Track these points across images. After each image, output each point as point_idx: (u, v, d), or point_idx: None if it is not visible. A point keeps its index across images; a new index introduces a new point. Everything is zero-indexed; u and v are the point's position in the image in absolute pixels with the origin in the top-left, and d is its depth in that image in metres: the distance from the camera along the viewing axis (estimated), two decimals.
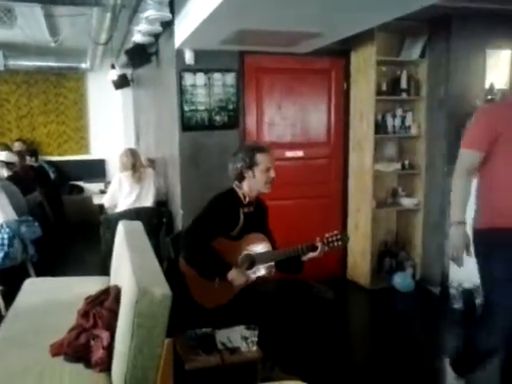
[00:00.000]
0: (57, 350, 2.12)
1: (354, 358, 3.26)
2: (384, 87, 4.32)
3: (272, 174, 2.69)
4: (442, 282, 4.22)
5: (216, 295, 2.56)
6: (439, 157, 4.22)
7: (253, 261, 2.67)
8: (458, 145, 3.98)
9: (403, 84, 4.31)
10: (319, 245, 2.62)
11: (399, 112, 4.41)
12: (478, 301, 3.67)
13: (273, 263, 2.68)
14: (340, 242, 2.65)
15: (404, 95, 4.34)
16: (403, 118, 4.40)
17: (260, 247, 2.69)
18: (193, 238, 2.60)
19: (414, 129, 4.38)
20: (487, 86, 4.07)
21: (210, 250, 2.57)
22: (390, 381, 2.89)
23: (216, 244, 2.61)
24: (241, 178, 2.72)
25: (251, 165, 2.67)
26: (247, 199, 2.74)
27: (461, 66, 4.06)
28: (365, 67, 4.24)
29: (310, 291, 2.67)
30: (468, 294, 3.82)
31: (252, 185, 2.71)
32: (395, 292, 4.29)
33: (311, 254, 2.65)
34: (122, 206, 4.44)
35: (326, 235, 2.66)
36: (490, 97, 3.93)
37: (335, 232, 2.68)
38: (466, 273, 3.89)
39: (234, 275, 2.54)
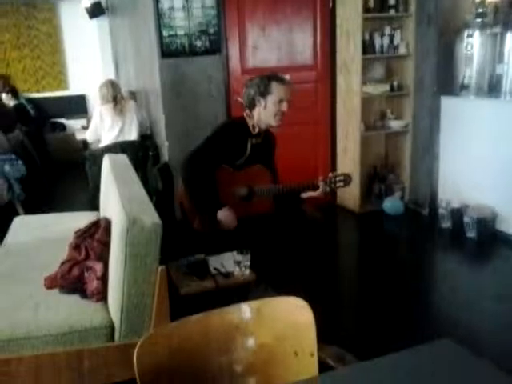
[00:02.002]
0: (51, 283, 2.13)
1: (345, 279, 3.36)
2: (371, 4, 4.12)
3: (284, 107, 2.56)
4: (430, 202, 4.27)
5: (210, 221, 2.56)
6: (428, 76, 4.12)
7: (251, 192, 2.64)
8: (447, 63, 3.94)
9: (391, 0, 4.11)
10: (321, 184, 2.57)
11: (387, 30, 4.25)
12: (466, 219, 3.73)
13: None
14: (342, 183, 2.61)
15: (392, 12, 4.16)
16: (391, 37, 4.25)
17: (262, 180, 2.65)
18: (197, 158, 2.52)
19: (403, 48, 4.24)
20: None
21: (211, 177, 2.51)
22: (379, 297, 2.98)
23: (219, 172, 2.56)
24: (252, 105, 2.60)
25: (265, 93, 2.55)
26: (256, 130, 2.65)
27: None
28: None
29: (303, 214, 2.66)
30: (456, 213, 3.87)
31: (262, 115, 2.59)
32: (385, 215, 4.34)
33: (311, 193, 2.61)
34: (106, 140, 4.34)
35: (330, 175, 2.61)
36: (480, 10, 3.77)
37: (339, 173, 2.64)
38: (455, 193, 3.95)
39: (224, 215, 2.50)
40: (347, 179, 2.62)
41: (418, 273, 3.34)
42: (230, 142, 2.59)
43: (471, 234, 3.71)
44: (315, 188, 2.59)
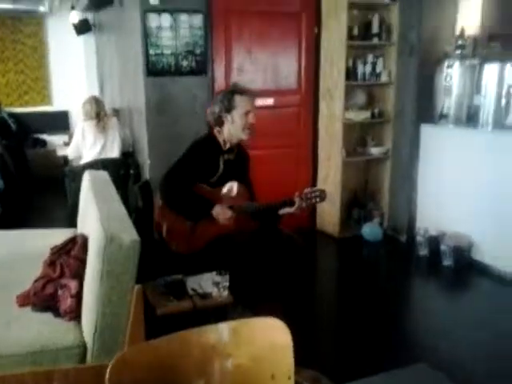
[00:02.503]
0: (23, 301, 2.07)
1: (324, 303, 3.34)
2: (355, 32, 4.22)
3: (251, 118, 2.56)
4: (408, 229, 4.31)
5: (190, 241, 2.55)
6: (408, 104, 4.20)
7: (230, 208, 2.62)
8: (427, 92, 4.04)
9: (375, 28, 4.22)
10: (297, 200, 2.57)
11: (370, 58, 4.34)
12: (443, 247, 3.77)
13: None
14: (318, 199, 2.61)
15: (375, 40, 4.25)
16: (374, 65, 4.34)
17: (238, 198, 2.64)
18: (172, 180, 2.52)
19: (385, 76, 4.34)
20: (458, 31, 4.02)
21: (190, 190, 2.51)
22: (356, 324, 2.97)
23: (195, 190, 2.55)
24: (220, 122, 2.60)
25: (230, 108, 2.54)
26: (227, 145, 2.65)
27: (433, 9, 3.98)
28: (336, 10, 4.12)
29: (280, 235, 2.66)
30: (434, 241, 3.91)
31: (231, 130, 2.59)
32: (363, 241, 4.35)
33: (288, 209, 2.61)
34: (87, 156, 4.31)
35: (305, 191, 2.60)
36: (460, 42, 3.89)
37: (314, 188, 2.65)
38: (432, 220, 4.00)
39: (218, 210, 2.50)
40: (322, 195, 2.62)
41: (395, 299, 3.35)
42: (202, 159, 2.58)
43: (448, 262, 3.75)
44: (292, 204, 2.59)
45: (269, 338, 1.12)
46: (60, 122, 7.57)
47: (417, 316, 3.19)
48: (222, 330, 1.10)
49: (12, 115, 7.10)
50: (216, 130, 2.65)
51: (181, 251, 2.53)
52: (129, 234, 1.82)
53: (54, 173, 6.05)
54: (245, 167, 2.84)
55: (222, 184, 2.63)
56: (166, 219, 2.57)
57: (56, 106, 7.68)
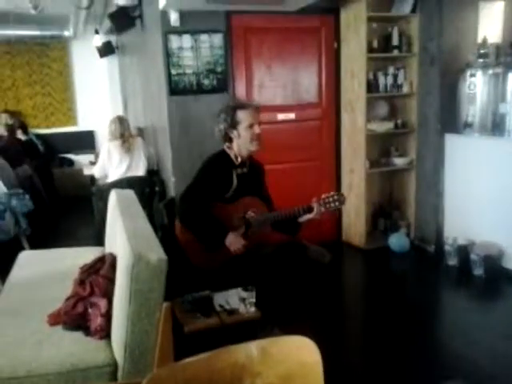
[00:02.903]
0: (54, 320, 2.11)
1: (351, 317, 3.30)
2: (375, 44, 4.22)
3: (257, 129, 2.62)
4: (436, 239, 4.24)
5: (213, 257, 2.56)
6: (432, 114, 4.16)
7: (248, 224, 2.65)
8: (450, 101, 4.00)
9: (395, 41, 4.21)
10: (315, 205, 2.58)
11: (391, 70, 4.33)
12: (473, 257, 3.70)
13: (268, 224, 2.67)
14: (337, 203, 2.61)
15: (396, 52, 4.25)
16: (395, 76, 4.33)
17: (255, 210, 2.66)
18: (188, 202, 2.57)
19: (406, 87, 4.32)
20: (480, 40, 3.99)
21: (207, 212, 2.54)
22: (386, 337, 2.92)
23: (212, 209, 2.58)
24: (228, 138, 2.68)
25: (234, 124, 2.61)
26: (239, 159, 2.69)
27: (453, 20, 3.96)
28: (355, 24, 4.14)
29: (305, 254, 2.64)
30: (463, 250, 3.84)
31: (240, 144, 2.65)
32: (390, 252, 4.31)
33: (307, 216, 2.62)
34: (113, 176, 4.38)
35: (323, 196, 2.62)
36: (482, 51, 3.85)
37: (332, 193, 2.64)
38: (461, 229, 3.93)
39: (231, 240, 2.52)
40: (341, 198, 2.63)
41: (426, 311, 3.29)
42: (215, 175, 2.62)
43: (478, 271, 3.67)
44: (310, 210, 2.61)
45: (298, 356, 1.11)
46: (86, 142, 7.77)
47: (449, 328, 3.12)
48: (252, 349, 1.10)
49: (39, 136, 7.32)
50: (226, 145, 2.71)
51: (204, 267, 2.55)
52: (156, 253, 1.84)
53: (81, 191, 6.19)
54: (260, 180, 2.87)
55: (237, 198, 2.66)
56: (186, 235, 2.60)
57: (81, 126, 7.88)
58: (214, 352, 1.11)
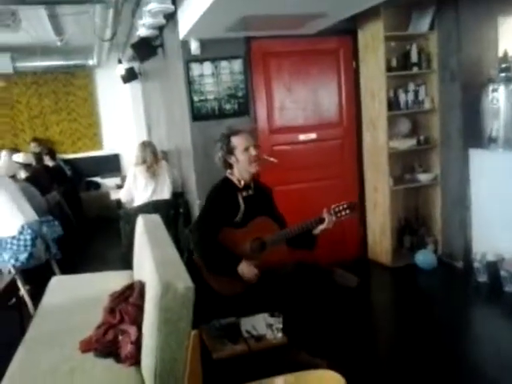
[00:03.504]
0: (86, 347, 2.16)
1: (379, 340, 3.25)
2: (394, 63, 4.24)
3: (253, 152, 2.71)
4: (464, 255, 4.18)
5: (233, 283, 2.59)
6: (455, 130, 4.14)
7: (263, 243, 2.68)
8: (473, 117, 3.98)
9: (414, 58, 4.22)
10: (326, 215, 2.67)
11: (411, 87, 4.33)
12: (503, 273, 3.63)
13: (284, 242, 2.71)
14: (348, 211, 2.69)
15: (415, 69, 4.25)
16: (416, 93, 4.33)
17: (267, 229, 2.71)
18: (199, 235, 2.66)
19: (428, 103, 4.31)
20: (501, 54, 3.96)
21: (218, 245, 2.60)
22: (416, 361, 2.87)
23: (224, 235, 2.63)
24: (228, 165, 2.79)
25: (230, 150, 2.73)
26: (242, 183, 2.78)
27: (472, 35, 3.96)
28: (373, 44, 4.17)
29: (332, 279, 2.65)
30: (492, 267, 3.78)
31: (240, 168, 2.76)
32: (418, 269, 4.26)
33: (321, 227, 2.69)
34: (139, 199, 4.47)
35: (333, 206, 2.71)
36: (504, 65, 3.83)
37: (342, 202, 2.72)
38: (489, 245, 3.87)
39: (243, 269, 2.57)
40: (351, 205, 2.70)
41: (456, 331, 3.22)
42: (221, 201, 2.71)
43: (509, 288, 3.61)
44: (322, 221, 2.68)
45: None
46: (111, 165, 7.94)
47: (481, 348, 3.05)
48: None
49: (66, 161, 7.52)
50: (228, 172, 2.82)
51: (224, 293, 2.57)
52: (183, 281, 1.87)
53: (108, 214, 6.31)
54: (268, 201, 2.93)
55: (247, 221, 2.71)
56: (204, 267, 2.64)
57: (107, 150, 8.07)
58: None
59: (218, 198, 2.74)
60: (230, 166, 2.79)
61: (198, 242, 2.67)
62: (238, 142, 2.72)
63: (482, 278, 3.85)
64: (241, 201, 2.74)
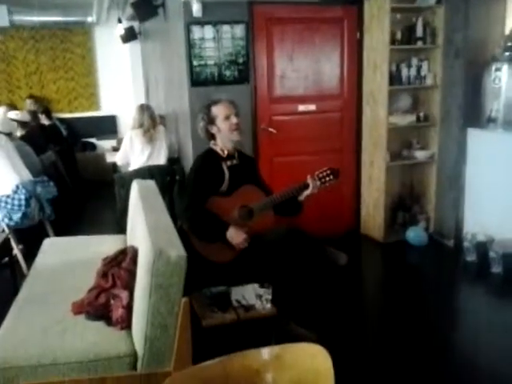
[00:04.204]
0: (78, 309, 2.20)
1: (367, 314, 3.31)
2: (398, 36, 4.16)
3: (233, 120, 2.76)
4: (455, 235, 4.22)
5: (223, 250, 2.63)
6: (455, 108, 4.11)
7: (250, 210, 2.71)
8: (474, 95, 3.94)
9: (419, 32, 4.14)
10: (310, 181, 2.72)
11: (414, 61, 4.27)
12: (492, 254, 3.67)
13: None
14: (331, 177, 2.76)
15: (420, 44, 4.18)
16: (418, 68, 4.27)
17: (254, 197, 2.74)
18: (186, 207, 2.68)
19: (430, 79, 4.25)
20: (507, 32, 3.90)
21: (205, 212, 2.63)
22: (401, 335, 2.94)
23: (211, 204, 2.66)
24: (210, 135, 2.84)
25: (211, 119, 2.78)
26: (226, 152, 2.83)
27: (480, 11, 3.88)
28: (378, 15, 4.08)
29: (322, 248, 2.68)
30: (482, 247, 3.82)
31: (222, 137, 2.80)
32: (409, 246, 4.30)
33: (306, 192, 2.75)
34: (135, 164, 4.45)
35: (316, 172, 2.77)
36: (509, 43, 3.77)
37: (325, 168, 2.78)
38: (480, 225, 3.90)
39: (232, 234, 2.60)
40: (334, 171, 2.78)
41: (442, 308, 3.28)
42: (206, 172, 2.75)
43: (497, 269, 3.66)
44: (306, 186, 2.74)
45: (311, 363, 1.15)
46: (108, 127, 7.87)
47: (464, 325, 3.13)
48: (265, 355, 1.14)
49: (62, 121, 7.44)
50: (211, 143, 2.87)
51: (214, 261, 2.61)
52: (176, 250, 1.89)
53: (103, 176, 6.29)
54: (253, 170, 2.99)
55: (233, 190, 2.75)
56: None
57: (104, 111, 7.97)
58: (228, 356, 1.16)
59: (203, 168, 2.78)
60: (213, 137, 2.84)
61: (184, 212, 2.71)
62: (218, 111, 2.77)
63: (471, 258, 3.89)
64: (225, 170, 2.78)
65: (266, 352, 1.15)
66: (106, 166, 5.77)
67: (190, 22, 3.82)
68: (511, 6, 3.93)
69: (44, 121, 6.39)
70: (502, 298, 3.49)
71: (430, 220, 4.51)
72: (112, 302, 2.14)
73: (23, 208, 3.74)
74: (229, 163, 2.81)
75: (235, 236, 2.60)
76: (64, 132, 7.05)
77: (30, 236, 3.95)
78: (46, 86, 7.66)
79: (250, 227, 2.67)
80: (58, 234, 4.16)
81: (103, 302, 2.15)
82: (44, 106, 7.08)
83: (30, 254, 3.24)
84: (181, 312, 1.94)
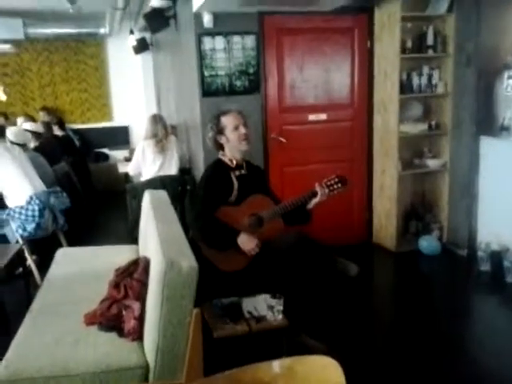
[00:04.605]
0: (90, 320, 2.20)
1: (379, 325, 3.27)
2: (409, 44, 4.15)
3: (242, 130, 2.77)
4: (469, 244, 4.17)
5: (234, 259, 2.62)
6: (467, 116, 4.08)
7: (260, 219, 2.71)
8: (486, 103, 3.91)
9: (429, 40, 4.13)
10: (318, 189, 2.72)
11: (425, 70, 4.25)
12: (507, 263, 3.63)
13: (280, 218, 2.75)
14: (339, 185, 2.76)
15: (430, 52, 4.17)
16: (429, 76, 4.25)
17: (263, 206, 2.75)
18: (196, 216, 2.69)
19: (441, 87, 4.24)
20: None
21: (216, 221, 2.63)
22: (414, 346, 2.90)
23: (220, 213, 2.66)
24: (219, 146, 2.85)
25: (220, 129, 2.79)
26: (234, 162, 2.84)
27: (491, 19, 3.85)
28: (389, 24, 4.08)
29: (332, 257, 2.66)
30: (496, 256, 3.77)
31: (231, 148, 2.81)
32: (421, 255, 4.26)
33: (314, 200, 2.75)
34: (147, 174, 4.48)
35: (324, 179, 2.77)
36: None
37: (332, 176, 2.78)
38: (494, 234, 3.86)
39: (243, 240, 2.60)
40: (342, 179, 2.77)
41: (456, 318, 3.25)
42: (215, 182, 2.76)
43: (511, 278, 3.61)
44: (315, 194, 2.74)
45: (322, 376, 1.14)
46: (120, 137, 7.93)
47: (478, 336, 3.08)
48: (276, 368, 1.14)
49: (75, 131, 7.52)
50: (220, 153, 2.88)
51: (225, 270, 2.61)
52: (187, 260, 1.90)
53: (116, 186, 6.34)
54: (262, 180, 3.00)
55: (242, 200, 2.75)
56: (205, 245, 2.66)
57: (116, 121, 8.04)
58: (240, 369, 1.15)
59: (212, 178, 2.79)
60: (221, 147, 2.85)
61: (194, 221, 2.71)
62: (227, 121, 2.78)
63: (485, 267, 3.84)
64: (234, 180, 2.79)
65: (277, 364, 1.14)
66: (118, 177, 5.82)
67: (201, 32, 3.85)
68: None
69: (57, 132, 6.46)
70: None
71: (443, 229, 4.47)
72: (124, 312, 2.15)
73: (37, 219, 3.77)
74: (237, 173, 2.82)
75: (247, 242, 2.59)
76: (77, 143, 7.13)
77: (44, 246, 3.99)
78: (59, 98, 7.75)
79: (260, 234, 2.67)
80: (71, 244, 4.19)
81: (115, 313, 2.16)
82: (57, 117, 7.16)
83: (44, 265, 3.27)
84: (192, 323, 1.95)
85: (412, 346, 2.89)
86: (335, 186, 2.75)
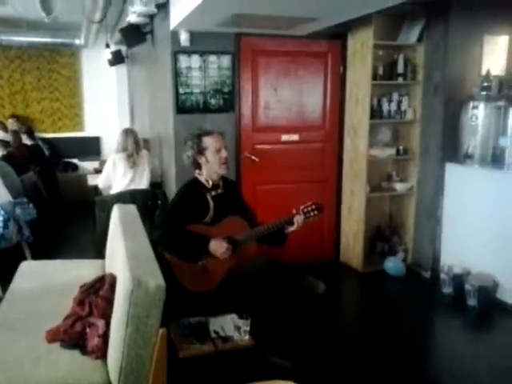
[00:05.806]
0: (53, 337, 2.16)
1: (344, 343, 3.30)
2: (380, 71, 4.28)
3: (223, 153, 2.75)
4: (432, 266, 4.29)
5: (204, 280, 2.61)
6: (434, 143, 4.22)
7: (234, 242, 2.70)
8: (452, 131, 4.06)
9: (400, 68, 4.28)
10: (296, 218, 2.74)
11: (395, 96, 4.39)
12: (468, 286, 3.73)
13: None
14: (316, 212, 2.78)
15: (400, 80, 4.31)
16: (399, 103, 4.39)
17: (238, 228, 2.74)
18: (165, 229, 2.67)
19: (410, 114, 4.38)
20: (484, 72, 4.05)
21: (185, 231, 2.62)
22: (378, 365, 2.95)
23: (194, 229, 2.65)
24: (197, 165, 2.81)
25: (201, 150, 2.74)
26: (210, 183, 2.81)
27: (458, 51, 4.03)
28: (361, 51, 4.21)
29: (301, 280, 2.69)
30: (458, 279, 3.88)
31: (209, 169, 2.78)
32: (387, 276, 4.35)
33: (290, 228, 2.77)
34: (117, 187, 4.43)
35: (301, 207, 2.78)
36: (485, 84, 3.91)
37: (310, 203, 2.79)
38: (457, 258, 3.98)
39: (214, 246, 2.60)
40: (319, 206, 2.80)
41: (418, 340, 3.31)
42: (189, 201, 2.73)
43: (472, 301, 3.71)
44: (291, 222, 2.76)
45: None
46: (91, 148, 7.83)
47: (440, 358, 3.14)
48: None
49: (45, 140, 7.39)
50: (196, 172, 2.84)
51: (194, 290, 2.59)
52: (155, 279, 1.88)
53: (84, 197, 6.23)
54: (236, 196, 2.98)
55: (218, 220, 2.74)
56: (174, 261, 2.65)
57: (88, 132, 7.95)
58: None
59: (186, 196, 2.77)
60: (199, 166, 2.81)
61: (164, 237, 2.67)
62: (209, 142, 2.74)
63: (448, 290, 3.95)
64: (210, 200, 2.77)
65: None
66: (87, 187, 5.73)
67: (178, 50, 3.88)
68: (487, 48, 4.09)
69: (26, 140, 6.34)
70: (476, 330, 3.54)
71: (408, 251, 4.57)
72: (88, 330, 2.11)
73: (1, 229, 3.69)
74: (213, 193, 2.81)
75: (218, 247, 2.59)
76: (46, 152, 7.00)
77: (7, 258, 3.88)
78: (30, 106, 7.63)
79: (233, 257, 2.66)
80: (35, 256, 4.10)
81: (79, 331, 2.12)
82: (27, 125, 7.03)
83: (6, 278, 3.17)
84: (158, 343, 1.93)
85: (376, 365, 2.94)
86: (311, 214, 2.77)
